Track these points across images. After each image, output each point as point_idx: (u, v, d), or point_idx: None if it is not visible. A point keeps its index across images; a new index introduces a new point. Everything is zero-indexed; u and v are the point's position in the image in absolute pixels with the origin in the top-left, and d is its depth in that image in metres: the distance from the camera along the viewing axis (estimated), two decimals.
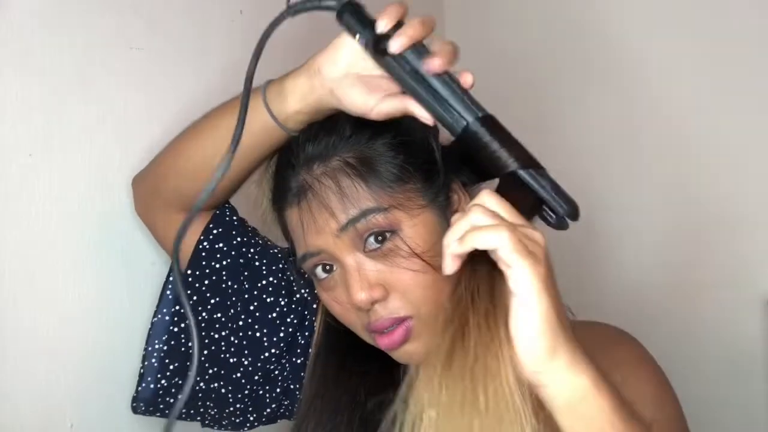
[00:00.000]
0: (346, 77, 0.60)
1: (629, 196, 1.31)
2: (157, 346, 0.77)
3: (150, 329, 0.78)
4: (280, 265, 0.77)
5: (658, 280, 1.28)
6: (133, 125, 0.80)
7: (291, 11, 0.58)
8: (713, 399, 1.19)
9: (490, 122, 0.55)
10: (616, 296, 1.29)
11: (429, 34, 0.56)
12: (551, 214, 0.54)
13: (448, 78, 0.56)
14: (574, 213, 0.53)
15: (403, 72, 0.56)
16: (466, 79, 0.56)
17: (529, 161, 0.54)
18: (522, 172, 0.54)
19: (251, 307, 0.76)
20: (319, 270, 0.65)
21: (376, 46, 0.56)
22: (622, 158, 1.31)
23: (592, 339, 0.65)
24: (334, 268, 0.65)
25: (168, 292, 0.78)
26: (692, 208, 1.25)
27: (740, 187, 1.21)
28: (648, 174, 1.29)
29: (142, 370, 0.77)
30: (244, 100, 0.58)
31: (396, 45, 0.55)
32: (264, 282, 0.76)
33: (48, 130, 0.72)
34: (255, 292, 0.76)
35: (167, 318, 0.77)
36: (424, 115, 0.57)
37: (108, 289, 0.79)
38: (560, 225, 0.54)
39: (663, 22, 1.26)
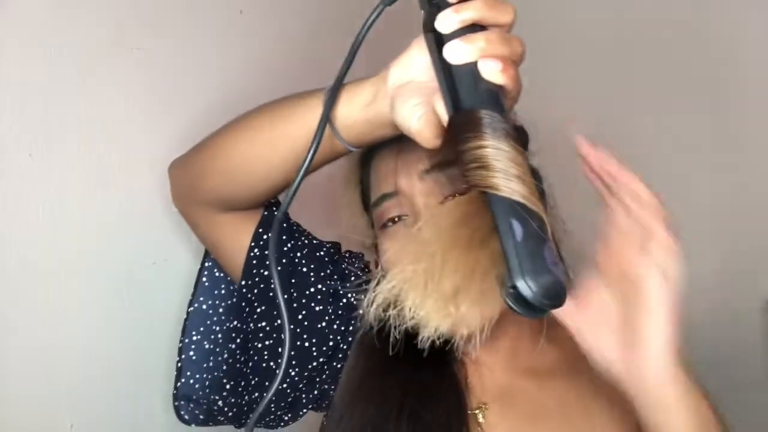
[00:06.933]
0: (409, 84, 0.52)
1: None
2: (195, 338, 0.75)
3: (186, 319, 0.75)
4: (328, 271, 0.75)
5: None
6: (134, 125, 0.80)
7: (387, 0, 0.51)
8: (713, 399, 1.18)
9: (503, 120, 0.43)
10: None
11: (495, 21, 0.46)
12: (508, 277, 0.39)
13: (474, 68, 0.45)
14: (541, 292, 0.38)
15: (436, 53, 0.47)
16: (495, 76, 0.45)
17: (525, 194, 0.40)
18: (498, 196, 0.40)
19: (299, 317, 0.73)
20: (389, 222, 0.67)
21: (428, 20, 0.47)
22: (624, 156, 1.31)
23: None
24: (405, 218, 0.66)
25: (204, 279, 0.76)
26: (692, 207, 1.25)
27: (740, 186, 1.21)
28: (648, 174, 1.29)
29: (179, 364, 0.75)
30: (326, 107, 0.54)
31: (440, 21, 0.46)
32: (312, 290, 0.73)
33: (48, 131, 0.72)
34: (303, 301, 0.73)
35: (210, 311, 0.75)
36: (444, 117, 0.49)
37: (108, 289, 0.78)
38: (517, 301, 0.39)
39: None
